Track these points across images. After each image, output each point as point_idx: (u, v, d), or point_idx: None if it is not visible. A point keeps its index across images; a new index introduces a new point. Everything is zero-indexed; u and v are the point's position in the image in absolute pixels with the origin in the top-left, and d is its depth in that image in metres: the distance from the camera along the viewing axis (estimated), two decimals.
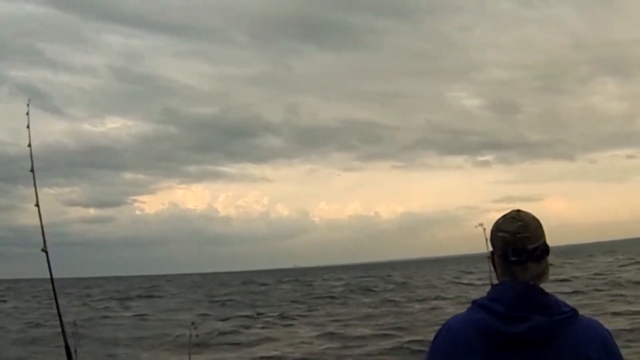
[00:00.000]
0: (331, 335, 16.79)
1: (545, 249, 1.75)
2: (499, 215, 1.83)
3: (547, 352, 1.62)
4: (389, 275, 58.82)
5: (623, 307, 17.62)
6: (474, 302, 1.75)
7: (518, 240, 1.72)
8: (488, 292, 1.75)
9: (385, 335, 16.11)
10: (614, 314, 16.24)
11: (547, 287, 1.76)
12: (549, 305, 1.66)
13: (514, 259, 1.72)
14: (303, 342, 16.07)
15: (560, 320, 1.64)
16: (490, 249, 1.83)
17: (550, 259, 1.79)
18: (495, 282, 1.81)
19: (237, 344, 16.37)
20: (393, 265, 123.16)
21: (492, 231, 1.81)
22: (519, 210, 1.79)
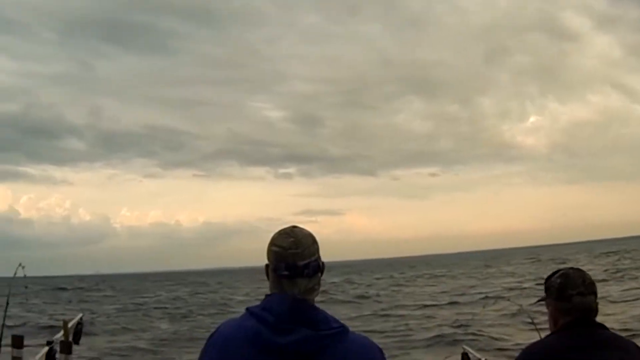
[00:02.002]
0: None
1: (317, 266, 1.82)
2: None
3: None
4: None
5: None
6: (248, 309, 1.80)
7: (289, 256, 1.79)
8: (262, 301, 1.82)
9: None
10: None
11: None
12: (316, 320, 1.73)
13: (284, 273, 1.79)
14: None
15: (327, 335, 1.71)
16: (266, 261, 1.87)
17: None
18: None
19: None
20: (189, 274, 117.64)
21: (268, 245, 1.86)
22: (294, 226, 1.87)
